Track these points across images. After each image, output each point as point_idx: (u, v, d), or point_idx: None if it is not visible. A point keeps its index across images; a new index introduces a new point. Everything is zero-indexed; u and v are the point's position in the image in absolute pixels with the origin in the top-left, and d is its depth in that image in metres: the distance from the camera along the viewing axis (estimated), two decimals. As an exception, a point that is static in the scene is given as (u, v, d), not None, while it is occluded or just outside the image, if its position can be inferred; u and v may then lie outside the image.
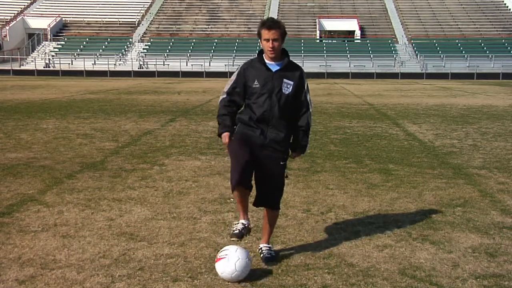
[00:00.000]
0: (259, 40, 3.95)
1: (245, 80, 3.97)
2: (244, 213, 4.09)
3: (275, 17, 57.77)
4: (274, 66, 3.96)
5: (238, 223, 4.09)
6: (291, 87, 3.94)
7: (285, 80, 3.93)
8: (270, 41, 3.85)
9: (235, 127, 4.00)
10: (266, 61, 3.97)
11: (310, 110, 4.08)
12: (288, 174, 4.14)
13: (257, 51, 4.11)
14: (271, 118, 3.93)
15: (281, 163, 4.00)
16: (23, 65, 47.57)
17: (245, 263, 3.65)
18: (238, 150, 3.87)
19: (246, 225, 4.07)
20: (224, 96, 4.05)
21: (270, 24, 3.85)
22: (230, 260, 3.62)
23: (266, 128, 3.94)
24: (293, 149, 4.10)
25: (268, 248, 4.06)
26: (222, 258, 3.68)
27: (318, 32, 52.48)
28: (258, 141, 3.93)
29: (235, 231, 3.98)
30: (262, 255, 4.01)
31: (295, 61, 4.09)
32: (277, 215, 4.19)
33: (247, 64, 4.05)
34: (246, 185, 3.88)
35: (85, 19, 55.12)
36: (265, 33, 3.86)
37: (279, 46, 3.89)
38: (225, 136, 3.92)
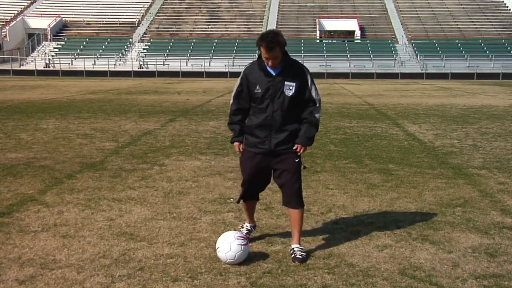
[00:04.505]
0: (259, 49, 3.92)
1: (248, 84, 4.04)
2: (250, 218, 4.48)
3: (275, 17, 56.85)
4: (274, 70, 3.98)
5: (243, 228, 4.48)
6: (293, 88, 3.96)
7: (286, 82, 3.96)
8: (270, 60, 3.89)
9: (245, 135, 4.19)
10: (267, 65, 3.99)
11: (317, 105, 4.11)
12: (304, 165, 4.23)
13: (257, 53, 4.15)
14: (274, 123, 3.99)
15: (296, 160, 4.07)
16: (23, 65, 47.58)
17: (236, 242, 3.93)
18: (246, 169, 4.19)
19: (250, 230, 4.46)
20: (232, 101, 4.18)
21: (270, 45, 3.80)
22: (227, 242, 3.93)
23: (270, 134, 4.02)
24: (297, 141, 4.06)
25: (300, 249, 4.07)
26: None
27: (318, 32, 52.47)
28: (264, 148, 4.04)
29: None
30: (293, 255, 4.01)
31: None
32: (302, 213, 4.15)
33: (249, 69, 4.10)
34: (250, 199, 4.35)
35: (85, 19, 55.13)
36: (264, 53, 3.86)
37: (279, 58, 3.91)
38: (236, 145, 4.22)
